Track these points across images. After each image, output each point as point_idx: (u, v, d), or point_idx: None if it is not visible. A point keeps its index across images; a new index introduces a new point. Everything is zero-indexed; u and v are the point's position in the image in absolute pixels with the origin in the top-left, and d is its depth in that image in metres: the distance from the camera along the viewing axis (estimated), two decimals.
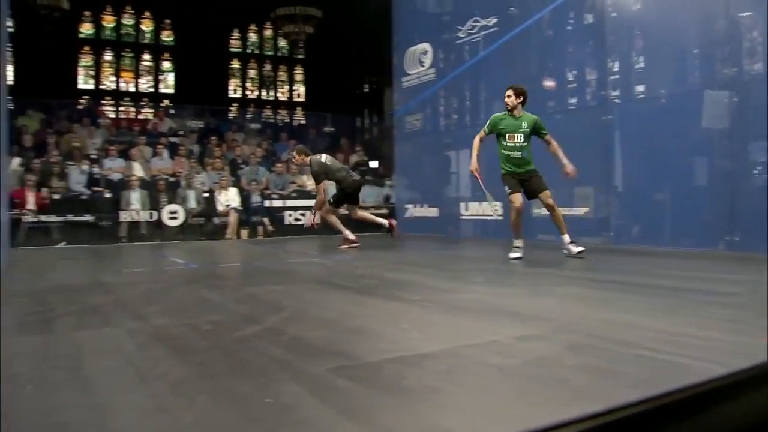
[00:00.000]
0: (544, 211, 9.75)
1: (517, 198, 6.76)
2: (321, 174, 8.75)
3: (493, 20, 11.11)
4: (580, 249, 6.71)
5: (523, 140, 6.75)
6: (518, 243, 6.87)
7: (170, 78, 20.90)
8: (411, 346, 2.73)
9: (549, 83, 10.31)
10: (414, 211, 12.90)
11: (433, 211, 12.32)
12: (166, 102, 20.08)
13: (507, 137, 6.74)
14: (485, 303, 3.94)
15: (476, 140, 6.98)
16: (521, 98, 6.78)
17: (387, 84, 15.05)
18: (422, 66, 12.73)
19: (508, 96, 6.80)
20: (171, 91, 20.76)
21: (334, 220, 9.00)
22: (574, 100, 9.83)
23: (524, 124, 6.75)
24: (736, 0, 7.61)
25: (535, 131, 6.81)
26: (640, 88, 8.77)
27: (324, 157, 8.96)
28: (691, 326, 3.04)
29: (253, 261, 7.19)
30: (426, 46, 12.67)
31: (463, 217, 11.52)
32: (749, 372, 0.80)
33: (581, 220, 9.21)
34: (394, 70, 13.68)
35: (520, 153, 6.77)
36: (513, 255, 6.77)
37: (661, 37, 8.43)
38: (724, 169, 7.55)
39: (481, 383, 2.20)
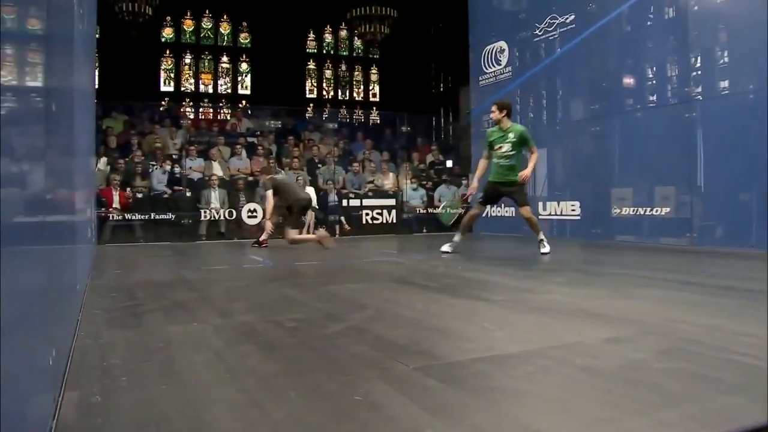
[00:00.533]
0: (623, 212, 9.62)
1: (480, 208, 7.70)
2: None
3: (570, 17, 10.95)
4: (545, 250, 7.33)
5: (510, 149, 7.30)
6: (457, 238, 7.70)
7: (248, 79, 21.31)
8: (495, 346, 2.72)
9: (628, 80, 10.10)
10: (490, 210, 12.81)
11: (510, 211, 12.20)
12: (244, 103, 20.49)
13: (496, 147, 7.35)
14: (567, 304, 3.88)
15: (481, 162, 7.67)
16: (504, 112, 7.33)
17: (463, 83, 14.97)
18: (499, 64, 12.65)
19: (492, 111, 7.46)
20: (248, 92, 21.16)
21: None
22: (654, 98, 9.62)
23: (511, 135, 7.28)
24: None
25: (523, 142, 7.32)
26: (725, 83, 8.50)
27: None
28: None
29: (330, 260, 7.26)
30: (503, 44, 12.58)
31: (541, 217, 11.37)
32: None
33: (662, 220, 9.00)
34: (470, 69, 13.62)
35: (508, 161, 7.35)
36: (445, 248, 7.60)
37: (745, 31, 8.14)
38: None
39: (569, 385, 2.17)
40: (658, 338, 2.82)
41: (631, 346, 2.66)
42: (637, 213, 9.49)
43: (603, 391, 2.09)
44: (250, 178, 12.89)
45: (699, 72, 8.84)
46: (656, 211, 9.21)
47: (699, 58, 8.84)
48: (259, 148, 14.18)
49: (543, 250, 7.34)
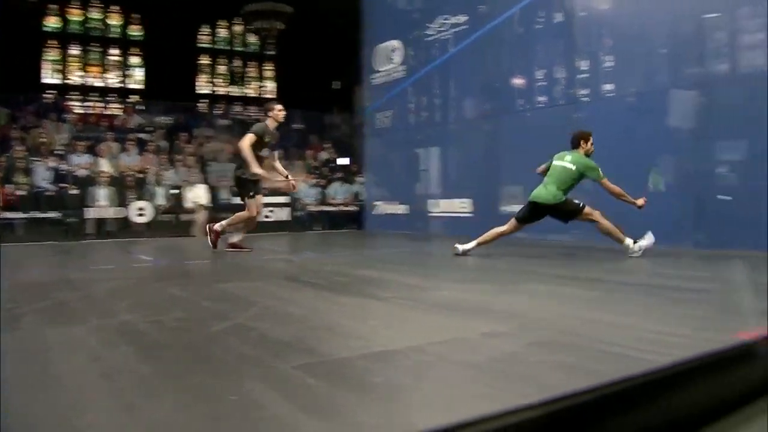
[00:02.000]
0: (514, 209, 9.87)
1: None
2: None
3: (462, 18, 11.15)
4: (465, 248, 6.97)
5: None
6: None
7: (138, 73, 20.63)
8: (380, 342, 2.73)
9: (519, 81, 10.37)
10: (383, 208, 12.91)
11: (402, 208, 12.34)
12: (135, 97, 19.81)
13: None
14: (456, 300, 3.94)
15: None
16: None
17: (357, 81, 15.01)
18: (392, 63, 12.74)
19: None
20: (139, 86, 20.50)
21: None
22: (543, 98, 9.90)
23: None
24: (703, 1, 7.72)
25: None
26: (609, 86, 8.85)
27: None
28: (659, 323, 3.07)
29: (221, 258, 7.12)
30: (396, 43, 12.68)
31: (433, 214, 11.56)
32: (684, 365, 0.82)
33: (550, 218, 9.27)
34: (364, 67, 13.67)
35: None
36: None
37: (629, 37, 8.52)
38: (690, 168, 7.66)
39: (448, 379, 2.20)
40: (538, 332, 2.89)
41: (511, 340, 2.72)
42: None
43: (480, 385, 2.12)
44: (140, 176, 12.48)
45: (586, 74, 9.18)
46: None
47: (586, 61, 9.18)
48: (150, 144, 13.76)
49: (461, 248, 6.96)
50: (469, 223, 10.65)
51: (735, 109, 7.31)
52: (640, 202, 6.53)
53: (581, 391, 0.73)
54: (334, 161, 15.49)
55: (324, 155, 15.57)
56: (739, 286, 4.39)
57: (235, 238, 7.72)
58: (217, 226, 7.69)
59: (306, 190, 13.45)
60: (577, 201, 6.59)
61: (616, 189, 6.49)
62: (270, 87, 22.37)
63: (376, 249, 8.48)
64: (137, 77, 20.62)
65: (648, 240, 6.50)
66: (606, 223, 6.53)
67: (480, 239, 6.81)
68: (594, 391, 0.71)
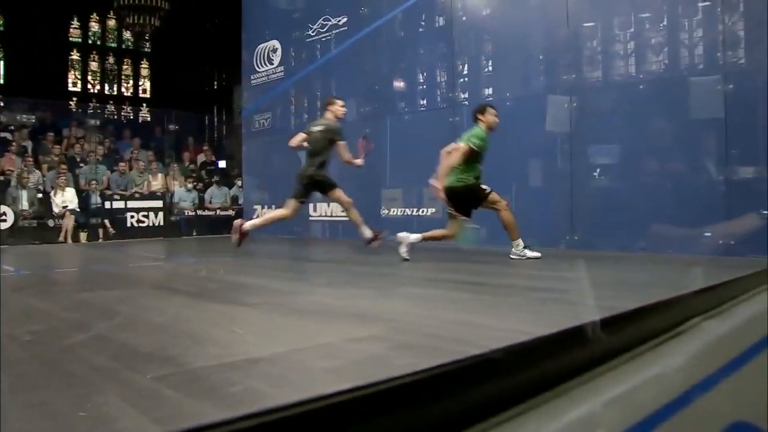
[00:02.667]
0: (393, 213, 10.03)
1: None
2: None
3: (343, 19, 11.22)
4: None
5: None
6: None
7: None
8: (242, 350, 2.70)
9: (400, 84, 10.54)
10: (262, 212, 12.80)
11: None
12: None
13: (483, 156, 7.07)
14: (327, 305, 3.95)
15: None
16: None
17: (236, 81, 14.82)
18: (271, 64, 12.66)
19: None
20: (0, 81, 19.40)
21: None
22: (424, 101, 10.10)
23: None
24: (578, 10, 8.13)
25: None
26: (488, 90, 9.15)
27: None
28: (523, 323, 3.22)
29: (90, 265, 6.86)
30: (276, 43, 12.61)
31: (313, 218, 11.57)
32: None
33: (430, 221, 9.46)
34: (243, 67, 13.52)
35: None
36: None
37: (508, 42, 8.85)
38: (565, 170, 8.05)
39: (306, 386, 2.22)
40: (405, 335, 2.94)
41: (377, 345, 2.76)
42: (406, 213, 9.93)
43: (338, 389, 2.16)
44: (1, 178, 11.83)
45: (466, 79, 9.45)
46: (423, 211, 9.70)
47: (466, 65, 9.45)
48: (12, 144, 13.06)
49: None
50: (348, 227, 10.72)
51: (606, 114, 7.76)
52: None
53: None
54: (213, 164, 15.22)
55: (202, 158, 15.26)
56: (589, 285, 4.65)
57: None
58: (247, 225, 7.50)
59: (182, 193, 13.14)
60: (483, 186, 6.74)
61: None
62: (146, 86, 21.70)
63: (253, 254, 8.39)
64: None
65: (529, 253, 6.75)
66: (507, 215, 6.74)
67: (427, 234, 6.95)
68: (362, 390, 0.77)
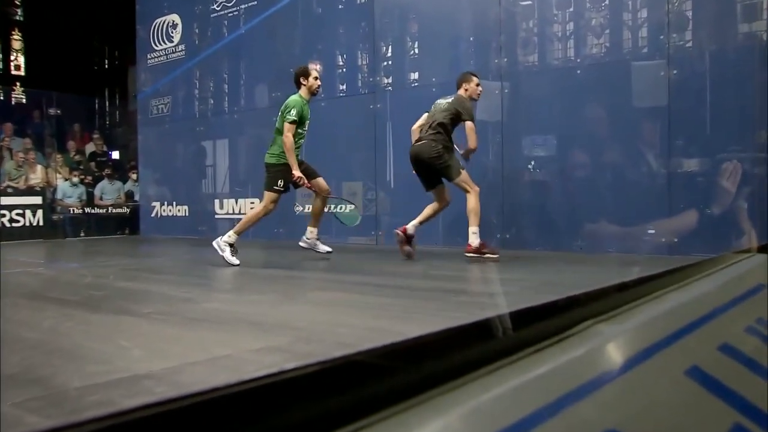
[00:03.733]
0: (309, 210, 9.98)
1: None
2: None
3: None
4: (329, 249, 7.18)
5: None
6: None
7: None
8: (129, 366, 2.64)
9: (315, 67, 10.47)
10: (161, 209, 12.56)
11: (183, 210, 12.07)
12: None
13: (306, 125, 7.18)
14: (228, 313, 3.92)
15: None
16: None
17: (131, 61, 14.45)
18: (171, 41, 12.42)
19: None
20: None
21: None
22: (343, 87, 10.07)
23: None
24: None
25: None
26: (414, 75, 9.19)
27: None
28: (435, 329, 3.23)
29: None
30: (175, 17, 12.37)
31: (219, 216, 11.41)
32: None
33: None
34: (138, 45, 13.22)
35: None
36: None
37: (435, 22, 8.90)
38: (495, 163, 8.15)
39: None
40: (313, 345, 2.94)
41: (281, 356, 2.74)
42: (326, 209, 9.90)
43: None
44: None
45: (389, 62, 9.45)
46: (341, 208, 9.69)
47: (389, 47, 9.45)
48: None
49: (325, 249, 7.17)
50: (259, 225, 10.61)
51: (542, 102, 7.89)
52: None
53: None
54: (103, 154, 14.82)
55: (90, 147, 14.84)
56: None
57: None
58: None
59: (66, 188, 12.75)
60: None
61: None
62: (18, 61, 20.90)
63: (148, 257, 8.23)
64: None
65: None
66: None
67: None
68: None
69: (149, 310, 4.09)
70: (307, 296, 4.70)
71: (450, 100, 6.98)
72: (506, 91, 8.10)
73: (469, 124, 6.75)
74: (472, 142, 6.78)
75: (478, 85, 7.10)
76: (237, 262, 6.39)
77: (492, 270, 6.09)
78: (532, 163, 7.94)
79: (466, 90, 7.09)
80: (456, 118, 6.85)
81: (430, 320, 3.57)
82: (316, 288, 5.16)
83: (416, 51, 9.20)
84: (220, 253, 6.46)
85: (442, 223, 8.31)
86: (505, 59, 8.20)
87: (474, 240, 6.61)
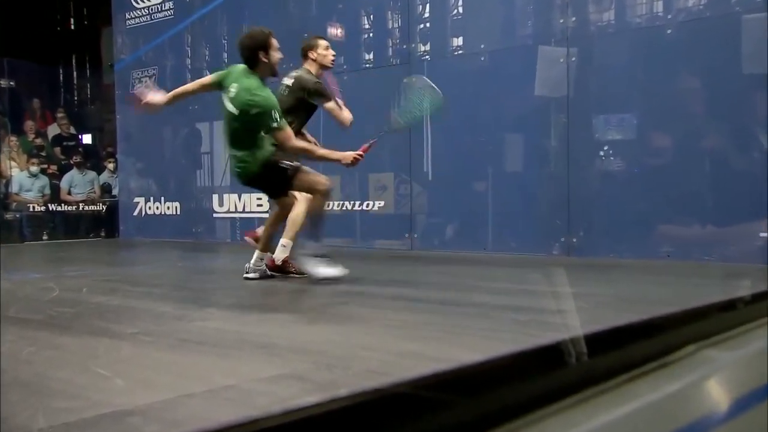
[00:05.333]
0: (328, 207, 9.97)
1: None
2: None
3: None
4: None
5: None
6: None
7: None
8: (109, 400, 2.61)
9: (336, 31, 10.45)
10: (146, 207, 12.63)
11: (172, 207, 12.12)
12: None
13: None
14: (229, 334, 3.93)
15: None
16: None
17: (104, 21, 14.52)
18: None
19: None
20: None
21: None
22: (370, 56, 10.03)
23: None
24: None
25: None
26: (457, 41, 9.12)
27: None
28: (483, 354, 3.20)
29: None
30: None
31: (218, 215, 11.45)
32: None
33: (377, 218, 9.44)
34: (113, 1, 13.30)
35: None
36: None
37: None
38: (559, 150, 8.06)
39: None
40: (336, 373, 2.91)
41: (297, 386, 2.72)
42: (345, 208, 9.89)
43: None
44: None
45: (426, 24, 9.40)
46: (368, 205, 9.67)
47: (427, 6, 9.39)
48: None
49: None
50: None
51: (620, 72, 7.78)
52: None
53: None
54: (72, 138, 14.92)
55: (54, 129, 14.95)
56: None
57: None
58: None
59: (24, 180, 12.85)
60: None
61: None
62: None
63: (130, 265, 8.29)
64: None
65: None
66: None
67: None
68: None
69: (133, 331, 4.09)
70: (325, 313, 4.69)
71: (289, 81, 6.77)
72: (573, 59, 8.00)
73: (328, 105, 6.67)
74: (344, 120, 6.76)
75: (327, 48, 6.88)
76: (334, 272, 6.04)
77: (554, 282, 6.04)
78: (606, 148, 7.83)
79: (314, 59, 6.86)
80: (302, 101, 6.68)
81: (478, 343, 3.55)
82: (335, 302, 5.13)
83: (460, 11, 9.13)
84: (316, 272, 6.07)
85: (491, 226, 8.26)
86: (573, 19, 8.10)
87: (280, 253, 6.42)
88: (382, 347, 3.45)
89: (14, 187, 12.65)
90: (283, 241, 6.36)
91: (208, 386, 2.77)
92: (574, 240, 7.91)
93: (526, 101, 8.23)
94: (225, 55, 11.76)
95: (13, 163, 13.11)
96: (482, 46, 8.69)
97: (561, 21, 8.16)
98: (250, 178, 6.12)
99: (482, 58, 8.53)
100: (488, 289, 5.76)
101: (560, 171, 7.99)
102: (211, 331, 4.08)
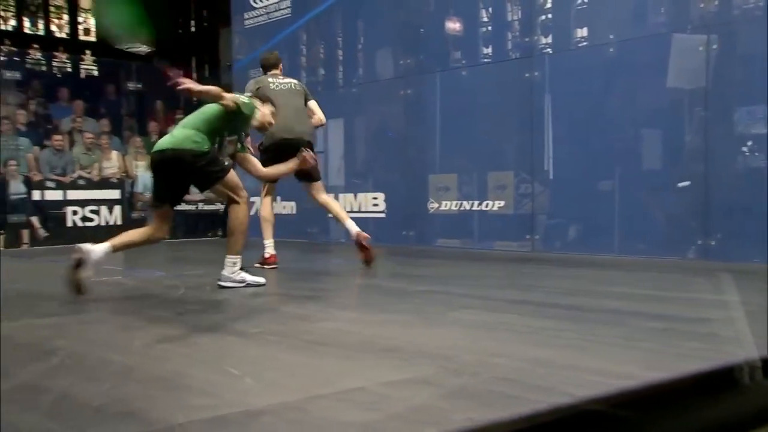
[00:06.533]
0: (444, 207, 9.95)
1: None
2: None
3: None
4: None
5: None
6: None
7: None
8: (240, 399, 2.69)
9: (454, 25, 10.40)
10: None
11: (289, 207, 12.23)
12: None
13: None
14: (352, 335, 3.97)
15: None
16: None
17: (223, 22, 14.79)
18: None
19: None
20: None
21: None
22: (488, 50, 9.95)
23: None
24: None
25: None
26: (582, 32, 8.93)
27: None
28: (629, 364, 3.14)
29: (12, 283, 6.89)
30: None
31: (332, 215, 11.51)
32: None
33: (497, 218, 9.37)
34: (232, 3, 13.51)
35: None
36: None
37: None
38: (696, 146, 7.85)
39: None
40: (465, 379, 2.91)
41: (425, 391, 2.73)
42: (463, 208, 9.84)
43: None
44: None
45: (548, 15, 9.24)
46: (488, 205, 9.61)
47: None
48: None
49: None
50: (382, 225, 10.66)
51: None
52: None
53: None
54: None
55: None
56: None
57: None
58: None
59: (148, 180, 13.13)
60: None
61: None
62: (88, 24, 21.67)
63: (247, 264, 8.41)
64: None
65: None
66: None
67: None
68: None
69: (258, 330, 4.17)
70: (447, 316, 4.66)
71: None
72: (714, 46, 7.72)
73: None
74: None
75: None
76: None
77: (690, 288, 5.90)
78: (749, 143, 7.59)
79: None
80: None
81: (612, 352, 3.48)
82: (458, 306, 5.11)
83: (585, 0, 8.93)
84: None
85: (618, 227, 8.11)
86: (715, 2, 7.82)
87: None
88: (510, 353, 3.41)
89: (139, 187, 12.95)
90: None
91: (336, 388, 2.81)
92: (712, 243, 7.66)
93: (659, 94, 7.99)
94: (340, 53, 11.83)
95: (139, 163, 13.42)
96: (611, 37, 8.49)
97: (701, 5, 7.86)
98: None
99: (611, 50, 8.34)
100: (617, 294, 5.66)
101: (697, 168, 7.74)
102: (334, 332, 4.13)
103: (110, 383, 2.95)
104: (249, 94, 6.73)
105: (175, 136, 5.86)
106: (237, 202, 5.93)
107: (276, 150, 7.21)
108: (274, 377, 3.08)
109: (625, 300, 5.29)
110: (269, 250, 7.66)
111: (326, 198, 7.90)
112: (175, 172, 5.79)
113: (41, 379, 3.05)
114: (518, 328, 4.21)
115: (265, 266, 7.45)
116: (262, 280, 6.23)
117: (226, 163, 6.05)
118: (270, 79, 7.72)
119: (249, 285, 6.04)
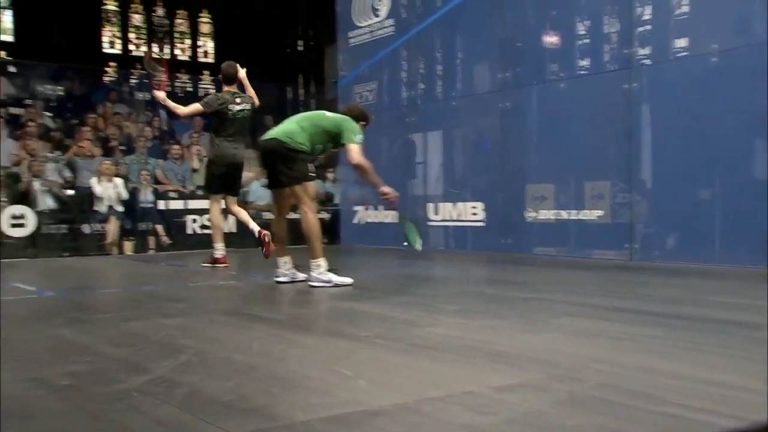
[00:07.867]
0: (542, 217, 9.88)
1: None
2: None
3: None
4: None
5: None
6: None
7: (6, 21, 20.10)
8: (356, 399, 2.74)
9: (551, 38, 10.33)
10: (365, 215, 12.86)
11: (390, 216, 12.28)
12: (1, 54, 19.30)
13: None
14: (458, 340, 3.97)
15: None
16: None
17: (329, 40, 14.91)
18: (377, 16, 12.70)
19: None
20: (7, 38, 19.91)
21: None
22: (586, 62, 9.85)
23: None
24: None
25: None
26: (682, 42, 8.75)
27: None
28: (733, 373, 3.10)
29: (139, 285, 7.09)
30: None
31: (433, 224, 11.54)
32: None
33: (594, 227, 9.27)
34: (338, 22, 13.63)
35: None
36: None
37: None
38: None
39: None
40: (571, 385, 2.90)
41: (535, 396, 2.73)
42: (560, 218, 9.77)
43: None
44: (15, 169, 12.18)
45: (648, 26, 9.08)
46: (585, 215, 9.52)
47: (648, 7, 9.03)
48: (30, 123, 13.38)
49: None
50: (481, 233, 10.64)
51: None
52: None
53: None
54: None
55: None
56: None
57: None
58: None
59: (258, 189, 13.34)
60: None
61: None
62: (207, 47, 22.19)
63: (354, 271, 8.47)
64: (4, 26, 20.09)
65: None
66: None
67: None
68: None
69: (367, 334, 4.22)
70: (550, 323, 4.65)
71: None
72: None
73: None
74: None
75: None
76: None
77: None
78: None
79: None
80: None
81: (719, 362, 3.43)
82: (560, 313, 5.08)
83: (686, 8, 8.71)
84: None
85: (719, 236, 7.95)
86: None
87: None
88: (614, 360, 3.40)
89: (250, 196, 13.14)
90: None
91: (445, 392, 2.83)
92: None
93: (763, 102, 7.78)
94: (439, 68, 11.83)
95: (249, 174, 13.61)
96: (714, 46, 8.30)
97: None
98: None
99: (713, 59, 8.16)
100: (718, 303, 5.56)
101: None
102: (439, 336, 4.14)
103: (234, 381, 3.02)
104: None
105: (281, 128, 6.71)
106: (304, 210, 6.45)
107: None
108: (387, 379, 3.12)
109: (726, 309, 5.19)
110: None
111: (238, 208, 9.01)
112: (270, 160, 6.57)
113: (172, 375, 3.15)
114: (619, 335, 4.17)
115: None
116: (348, 280, 6.56)
117: (310, 174, 6.68)
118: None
119: (337, 285, 6.36)
